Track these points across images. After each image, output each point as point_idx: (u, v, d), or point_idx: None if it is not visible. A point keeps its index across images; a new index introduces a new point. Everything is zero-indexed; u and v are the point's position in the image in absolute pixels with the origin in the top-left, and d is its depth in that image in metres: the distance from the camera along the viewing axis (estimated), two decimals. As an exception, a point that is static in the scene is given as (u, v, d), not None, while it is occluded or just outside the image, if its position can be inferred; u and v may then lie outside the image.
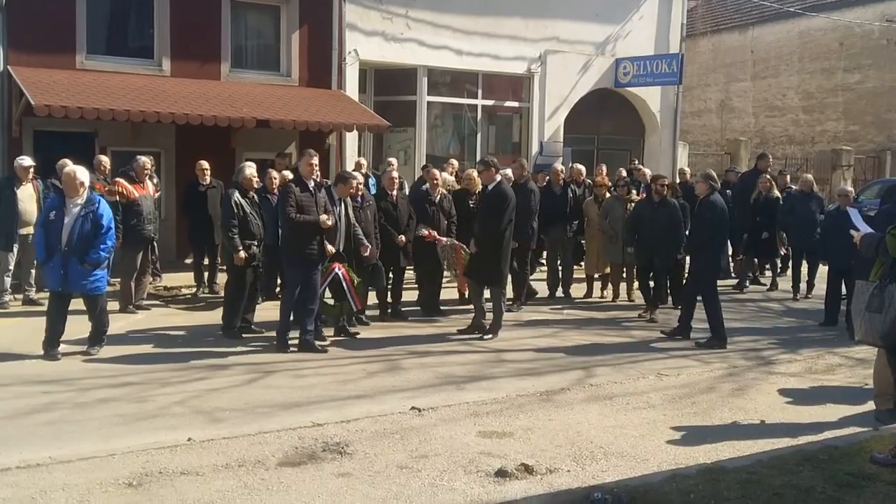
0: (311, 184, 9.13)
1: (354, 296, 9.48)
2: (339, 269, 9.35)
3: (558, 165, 13.61)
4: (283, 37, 15.67)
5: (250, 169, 9.83)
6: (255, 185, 9.89)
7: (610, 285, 12.84)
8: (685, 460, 5.91)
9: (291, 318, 9.16)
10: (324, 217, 8.97)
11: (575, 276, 13.01)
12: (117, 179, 10.91)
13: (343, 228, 9.54)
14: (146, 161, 11.04)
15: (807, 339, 10.31)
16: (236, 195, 9.53)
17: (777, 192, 13.68)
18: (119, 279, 10.87)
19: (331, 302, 9.48)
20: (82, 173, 8.55)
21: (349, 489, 5.28)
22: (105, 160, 12.36)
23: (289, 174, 10.85)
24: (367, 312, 10.65)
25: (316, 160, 9.31)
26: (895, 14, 25.64)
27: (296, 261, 9.01)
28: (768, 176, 14.00)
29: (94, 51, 14.05)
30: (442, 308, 11.27)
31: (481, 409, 7.07)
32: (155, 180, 11.88)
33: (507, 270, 10.03)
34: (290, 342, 9.06)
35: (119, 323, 9.99)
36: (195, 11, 14.59)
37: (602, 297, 12.84)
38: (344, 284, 9.35)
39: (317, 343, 9.14)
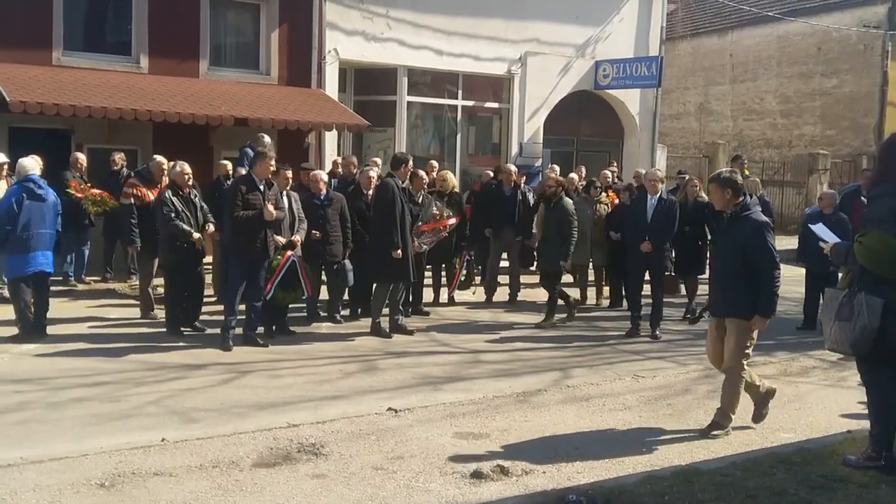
0: (262, 182, 9.11)
1: (306, 281, 9.57)
2: (294, 257, 9.42)
3: (511, 166, 13.34)
4: (262, 35, 15.60)
5: (181, 165, 9.72)
6: (189, 183, 9.74)
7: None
8: (660, 462, 5.93)
9: (236, 314, 9.13)
10: (269, 208, 8.95)
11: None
12: (131, 181, 10.73)
13: (286, 222, 9.55)
14: (163, 161, 10.64)
15: (782, 343, 10.37)
16: (168, 193, 9.47)
17: (706, 196, 12.16)
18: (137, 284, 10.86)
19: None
20: (20, 163, 9.17)
21: (324, 490, 5.26)
22: (81, 157, 12.29)
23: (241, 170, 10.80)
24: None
25: (273, 162, 9.36)
26: (872, 20, 25.87)
27: (240, 255, 9.02)
28: (696, 180, 13.17)
29: (72, 47, 13.93)
30: (424, 308, 11.26)
31: (458, 410, 7.07)
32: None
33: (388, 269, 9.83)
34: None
35: (90, 322, 9.92)
36: (174, 8, 14.49)
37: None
38: (299, 271, 9.45)
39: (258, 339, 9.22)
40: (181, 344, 9.15)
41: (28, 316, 9.08)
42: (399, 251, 9.58)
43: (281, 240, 9.35)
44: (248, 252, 9.00)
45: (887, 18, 25.58)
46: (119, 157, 12.53)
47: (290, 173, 9.78)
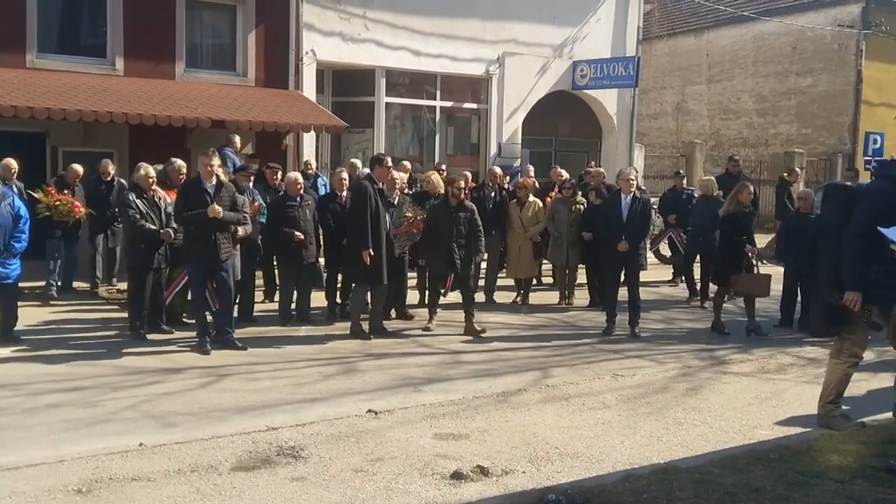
0: (208, 184, 9.00)
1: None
2: None
3: (496, 168, 13.42)
4: (239, 36, 15.54)
5: (146, 169, 9.61)
6: (153, 186, 9.55)
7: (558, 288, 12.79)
8: (639, 460, 5.95)
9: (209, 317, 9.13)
10: (214, 207, 8.84)
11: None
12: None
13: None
14: (182, 165, 10.30)
15: (759, 340, 10.45)
16: (131, 196, 9.36)
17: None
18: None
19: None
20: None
21: (303, 494, 5.24)
22: (78, 169, 11.80)
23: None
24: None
25: (215, 161, 9.14)
26: (846, 19, 26.12)
27: (197, 257, 8.96)
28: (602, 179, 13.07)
29: (46, 49, 13.82)
30: (409, 312, 11.23)
31: (438, 411, 7.06)
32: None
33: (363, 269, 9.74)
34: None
35: (67, 327, 9.84)
36: (149, 10, 14.40)
37: (514, 301, 12.51)
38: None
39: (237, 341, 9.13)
40: (158, 348, 9.08)
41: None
42: (369, 252, 9.55)
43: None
44: (202, 253, 8.93)
45: (861, 18, 25.86)
46: (112, 168, 12.18)
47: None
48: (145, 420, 6.71)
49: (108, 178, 12.13)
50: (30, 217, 9.23)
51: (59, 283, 11.81)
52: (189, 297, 9.55)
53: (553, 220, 12.18)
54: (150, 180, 9.53)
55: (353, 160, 14.10)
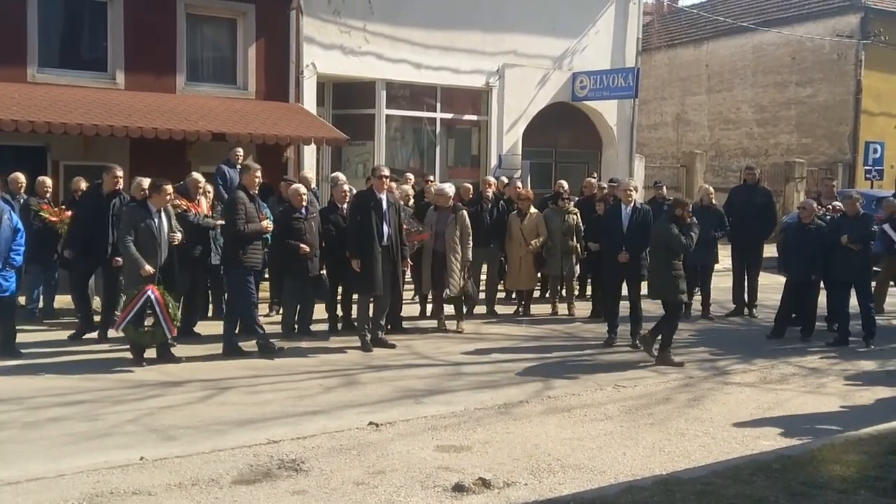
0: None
1: (168, 321, 8.75)
2: (153, 292, 8.69)
3: (490, 178, 13.42)
4: (239, 50, 15.58)
5: (135, 181, 9.65)
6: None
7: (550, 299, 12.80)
8: (641, 472, 5.93)
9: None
10: (266, 223, 9.54)
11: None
12: (176, 195, 10.05)
13: (163, 244, 8.96)
14: (199, 178, 10.25)
15: (761, 350, 10.43)
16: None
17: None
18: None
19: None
20: None
21: (304, 507, 5.23)
22: (47, 181, 11.30)
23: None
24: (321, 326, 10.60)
25: (259, 173, 9.70)
26: (845, 29, 26.19)
27: (246, 269, 9.33)
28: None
29: (47, 64, 13.86)
30: (404, 325, 11.19)
31: (439, 423, 7.05)
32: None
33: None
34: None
35: (66, 342, 9.84)
36: (150, 24, 14.44)
37: (515, 312, 12.50)
38: (157, 308, 8.68)
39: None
40: (157, 363, 9.05)
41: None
42: (358, 261, 9.71)
43: (149, 269, 8.74)
44: (251, 262, 9.35)
45: (860, 28, 25.93)
46: (84, 185, 11.23)
47: (169, 187, 9.13)
48: (146, 434, 6.69)
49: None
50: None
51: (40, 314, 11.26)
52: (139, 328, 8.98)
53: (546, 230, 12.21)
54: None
55: (335, 174, 13.67)
